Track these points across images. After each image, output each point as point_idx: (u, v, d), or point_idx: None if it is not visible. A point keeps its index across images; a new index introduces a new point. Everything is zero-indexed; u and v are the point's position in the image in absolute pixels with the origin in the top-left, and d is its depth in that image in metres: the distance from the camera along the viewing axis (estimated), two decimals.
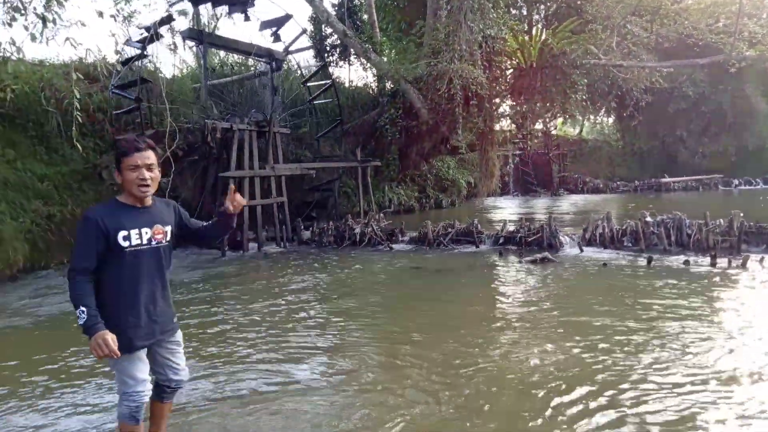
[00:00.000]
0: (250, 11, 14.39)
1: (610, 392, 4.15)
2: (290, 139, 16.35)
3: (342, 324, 6.33)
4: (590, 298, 7.22)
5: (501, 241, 11.87)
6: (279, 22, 15.12)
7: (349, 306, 7.19)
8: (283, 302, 7.49)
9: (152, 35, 11.65)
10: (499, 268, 9.77)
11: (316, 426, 3.73)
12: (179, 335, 3.23)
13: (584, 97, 17.82)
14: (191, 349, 5.34)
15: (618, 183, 31.77)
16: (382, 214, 14.73)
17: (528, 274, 9.06)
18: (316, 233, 13.40)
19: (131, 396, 2.96)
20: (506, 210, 21.40)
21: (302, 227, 13.91)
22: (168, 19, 12.25)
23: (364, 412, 3.93)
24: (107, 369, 4.69)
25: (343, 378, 4.62)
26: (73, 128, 8.00)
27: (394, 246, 12.37)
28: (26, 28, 7.95)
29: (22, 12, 9.41)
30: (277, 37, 15.44)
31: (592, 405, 3.94)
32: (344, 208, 16.84)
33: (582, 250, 10.85)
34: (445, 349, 5.22)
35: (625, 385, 4.26)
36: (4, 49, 8.24)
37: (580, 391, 4.20)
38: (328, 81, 16.69)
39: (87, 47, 18.59)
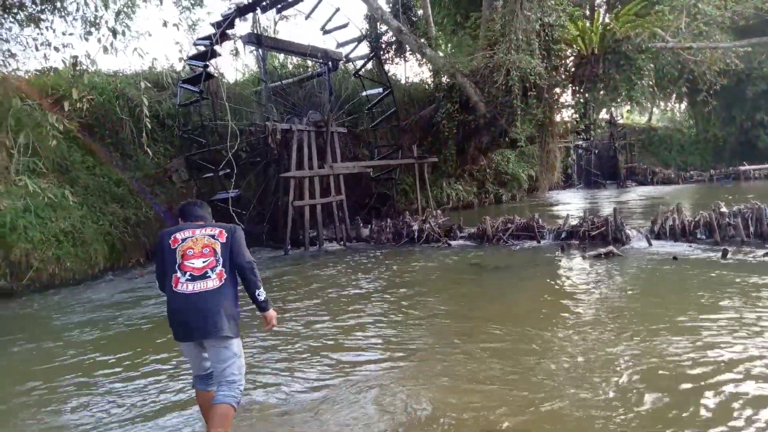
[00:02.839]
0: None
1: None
2: (348, 138, 16.56)
3: (413, 322, 6.36)
4: (661, 293, 6.91)
5: (563, 236, 11.53)
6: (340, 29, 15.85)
7: (414, 303, 7.21)
8: (344, 300, 7.61)
9: (211, 51, 12.13)
10: (561, 263, 9.50)
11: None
12: None
13: (651, 83, 16.96)
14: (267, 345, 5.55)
15: (691, 172, 30.07)
16: (440, 211, 14.66)
17: (592, 269, 8.76)
18: (375, 231, 13.52)
19: (243, 382, 3.32)
20: (569, 204, 20.75)
21: (361, 225, 14.08)
22: (227, 27, 12.69)
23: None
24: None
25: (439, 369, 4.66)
26: (144, 134, 8.46)
27: (452, 242, 12.29)
28: (99, 40, 8.48)
29: (97, 26, 10.07)
30: (339, 45, 16.27)
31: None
32: (402, 205, 16.88)
33: (650, 244, 10.37)
34: (521, 346, 5.15)
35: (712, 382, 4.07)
36: (80, 62, 8.82)
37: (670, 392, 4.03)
38: (387, 87, 16.56)
39: (153, 56, 19.64)
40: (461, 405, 3.94)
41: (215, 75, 12.94)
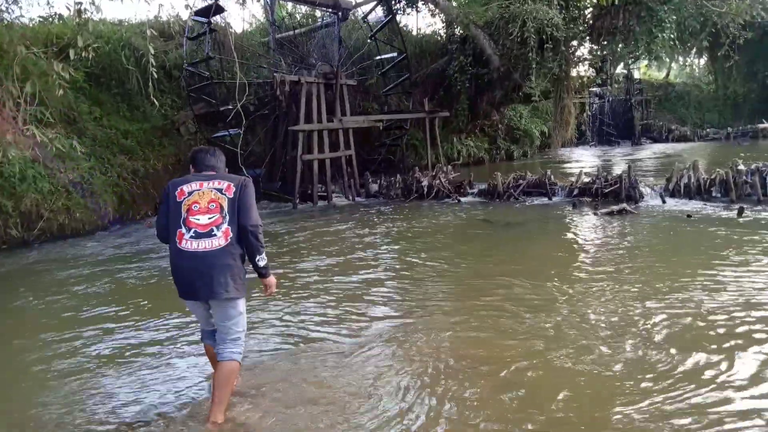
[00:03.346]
0: None
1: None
2: (357, 92, 16.22)
3: (426, 277, 6.33)
4: (674, 250, 6.83)
5: (575, 192, 11.38)
6: None
7: (425, 258, 7.18)
8: (356, 255, 7.59)
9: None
10: (573, 220, 9.40)
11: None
12: None
13: (672, 36, 16.33)
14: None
15: (708, 130, 29.41)
16: (450, 167, 14.48)
17: (605, 226, 8.66)
18: (384, 186, 13.42)
19: (244, 338, 3.29)
20: (582, 161, 20.45)
21: (370, 180, 13.97)
22: None
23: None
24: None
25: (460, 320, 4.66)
26: (150, 84, 8.30)
27: (462, 198, 12.19)
28: None
29: None
30: (356, 5, 15.63)
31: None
32: (412, 160, 16.68)
33: (664, 202, 10.22)
34: (526, 300, 5.13)
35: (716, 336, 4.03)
36: (84, 9, 8.57)
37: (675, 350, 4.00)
38: (402, 52, 15.92)
39: (159, 2, 19.14)
40: (478, 357, 3.97)
41: (224, 9, 12.47)
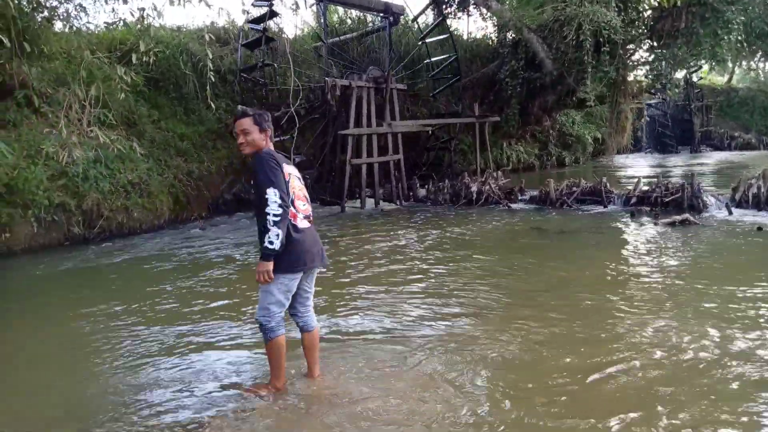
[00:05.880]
0: None
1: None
2: (407, 96, 16.16)
3: (476, 283, 6.19)
4: (744, 266, 6.41)
5: (633, 201, 10.93)
6: None
7: (475, 264, 7.03)
8: (405, 259, 7.50)
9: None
10: (631, 230, 9.01)
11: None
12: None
13: (740, 38, 15.52)
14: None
15: None
16: (500, 172, 14.21)
17: (666, 237, 8.25)
18: (432, 191, 13.30)
19: None
20: (637, 168, 19.72)
21: (418, 185, 13.86)
22: None
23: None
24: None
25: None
26: (207, 89, 8.48)
27: (512, 205, 11.92)
28: None
29: None
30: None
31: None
32: (460, 165, 16.48)
33: (731, 212, 9.67)
34: (586, 321, 4.91)
35: None
36: (147, 14, 8.86)
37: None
38: (446, 35, 16.02)
39: (220, 6, 19.62)
40: (534, 368, 3.81)
41: (274, 37, 12.62)
